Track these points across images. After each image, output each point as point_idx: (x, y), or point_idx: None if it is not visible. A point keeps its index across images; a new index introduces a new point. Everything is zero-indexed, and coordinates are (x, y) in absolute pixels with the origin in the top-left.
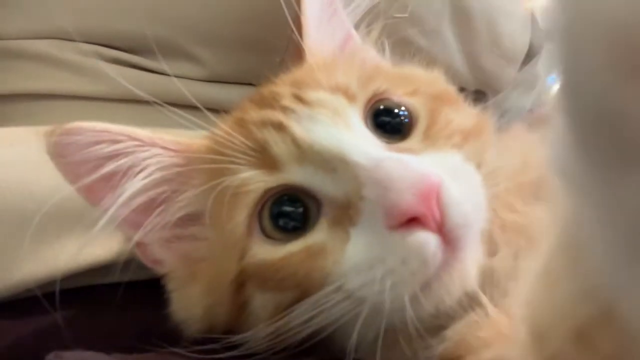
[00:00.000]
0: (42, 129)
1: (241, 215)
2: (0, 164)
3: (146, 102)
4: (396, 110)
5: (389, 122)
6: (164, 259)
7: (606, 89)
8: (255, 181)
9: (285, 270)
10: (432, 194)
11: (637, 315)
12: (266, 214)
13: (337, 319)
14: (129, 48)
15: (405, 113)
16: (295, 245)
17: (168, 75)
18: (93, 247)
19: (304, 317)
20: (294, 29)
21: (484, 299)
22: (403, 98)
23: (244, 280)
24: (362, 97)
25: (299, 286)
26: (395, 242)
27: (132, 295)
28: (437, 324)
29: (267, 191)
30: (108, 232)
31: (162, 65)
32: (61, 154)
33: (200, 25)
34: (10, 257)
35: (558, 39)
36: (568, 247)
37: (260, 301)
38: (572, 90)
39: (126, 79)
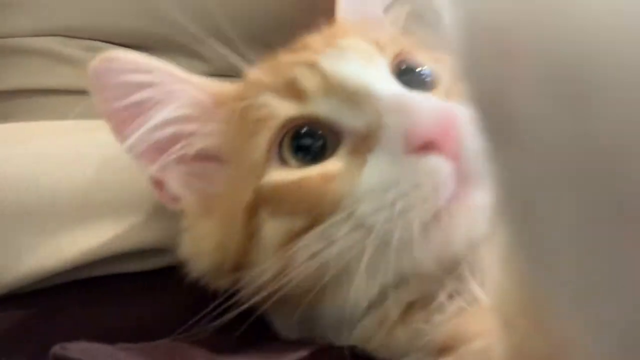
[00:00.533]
0: (46, 124)
1: (263, 140)
2: (4, 159)
3: None
4: (420, 69)
5: (413, 79)
6: (181, 195)
7: (487, 72)
8: (280, 109)
9: (299, 193)
10: (451, 123)
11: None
12: (286, 143)
13: (345, 252)
14: (132, 44)
15: (429, 72)
16: (312, 170)
17: None
18: (100, 239)
19: (311, 249)
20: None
21: (475, 286)
22: (427, 61)
23: (257, 206)
24: (391, 51)
25: (310, 211)
26: (411, 165)
27: (137, 286)
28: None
29: (290, 120)
30: (113, 223)
31: (164, 60)
32: (98, 79)
33: (202, 23)
34: (16, 250)
35: (456, 34)
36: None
37: (271, 228)
38: (466, 76)
39: None
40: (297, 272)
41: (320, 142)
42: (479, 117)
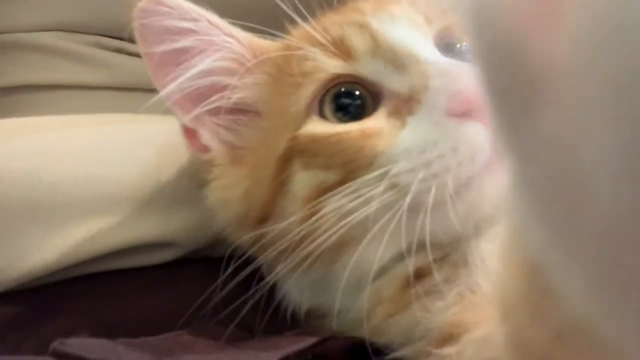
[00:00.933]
0: (47, 118)
1: (306, 92)
2: (10, 153)
3: (148, 90)
4: (460, 45)
5: (454, 54)
6: (212, 146)
7: (507, 25)
8: (328, 65)
9: (337, 146)
10: None
11: (557, 270)
12: (328, 99)
13: (377, 212)
14: (130, 38)
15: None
16: (351, 126)
17: None
18: (103, 234)
19: (340, 205)
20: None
21: (476, 273)
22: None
23: (291, 156)
24: (437, 25)
25: (345, 165)
26: (451, 128)
27: (140, 281)
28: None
29: (337, 76)
30: (113, 218)
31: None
32: (142, 20)
33: None
34: (20, 246)
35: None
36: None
37: (303, 179)
38: (479, 33)
39: (128, 67)
40: (323, 226)
41: (358, 102)
42: (496, 77)
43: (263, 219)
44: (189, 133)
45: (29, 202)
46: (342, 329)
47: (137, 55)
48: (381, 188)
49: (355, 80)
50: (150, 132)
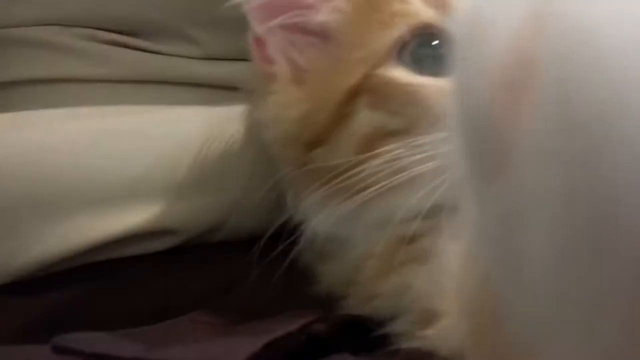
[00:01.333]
0: (47, 112)
1: (393, 34)
2: (8, 146)
3: (145, 82)
4: None
5: None
6: (277, 60)
7: (483, 105)
8: (421, 11)
9: (410, 97)
10: None
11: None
12: (411, 47)
13: (429, 174)
14: (127, 31)
15: None
16: (430, 81)
17: (163, 54)
18: (107, 222)
19: (399, 160)
20: None
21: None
22: None
23: (360, 92)
24: None
25: (412, 117)
26: None
27: (148, 269)
28: None
29: (427, 25)
30: (116, 208)
31: (158, 45)
32: None
33: (192, 7)
34: (24, 237)
35: (457, 56)
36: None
37: (365, 117)
38: (462, 105)
39: (125, 60)
40: (379, 173)
41: (441, 58)
42: (469, 142)
43: (315, 145)
44: (258, 43)
45: (30, 194)
46: (343, 274)
47: (134, 48)
48: (444, 150)
49: (445, 35)
50: (152, 123)
